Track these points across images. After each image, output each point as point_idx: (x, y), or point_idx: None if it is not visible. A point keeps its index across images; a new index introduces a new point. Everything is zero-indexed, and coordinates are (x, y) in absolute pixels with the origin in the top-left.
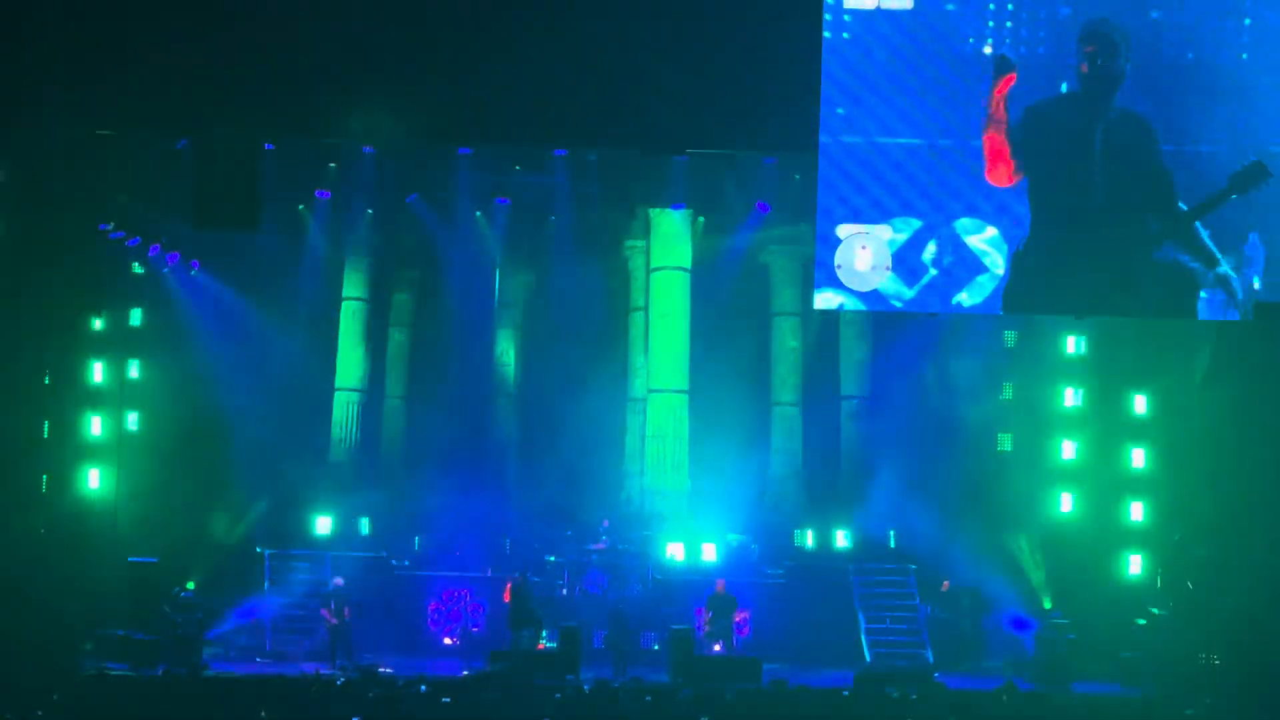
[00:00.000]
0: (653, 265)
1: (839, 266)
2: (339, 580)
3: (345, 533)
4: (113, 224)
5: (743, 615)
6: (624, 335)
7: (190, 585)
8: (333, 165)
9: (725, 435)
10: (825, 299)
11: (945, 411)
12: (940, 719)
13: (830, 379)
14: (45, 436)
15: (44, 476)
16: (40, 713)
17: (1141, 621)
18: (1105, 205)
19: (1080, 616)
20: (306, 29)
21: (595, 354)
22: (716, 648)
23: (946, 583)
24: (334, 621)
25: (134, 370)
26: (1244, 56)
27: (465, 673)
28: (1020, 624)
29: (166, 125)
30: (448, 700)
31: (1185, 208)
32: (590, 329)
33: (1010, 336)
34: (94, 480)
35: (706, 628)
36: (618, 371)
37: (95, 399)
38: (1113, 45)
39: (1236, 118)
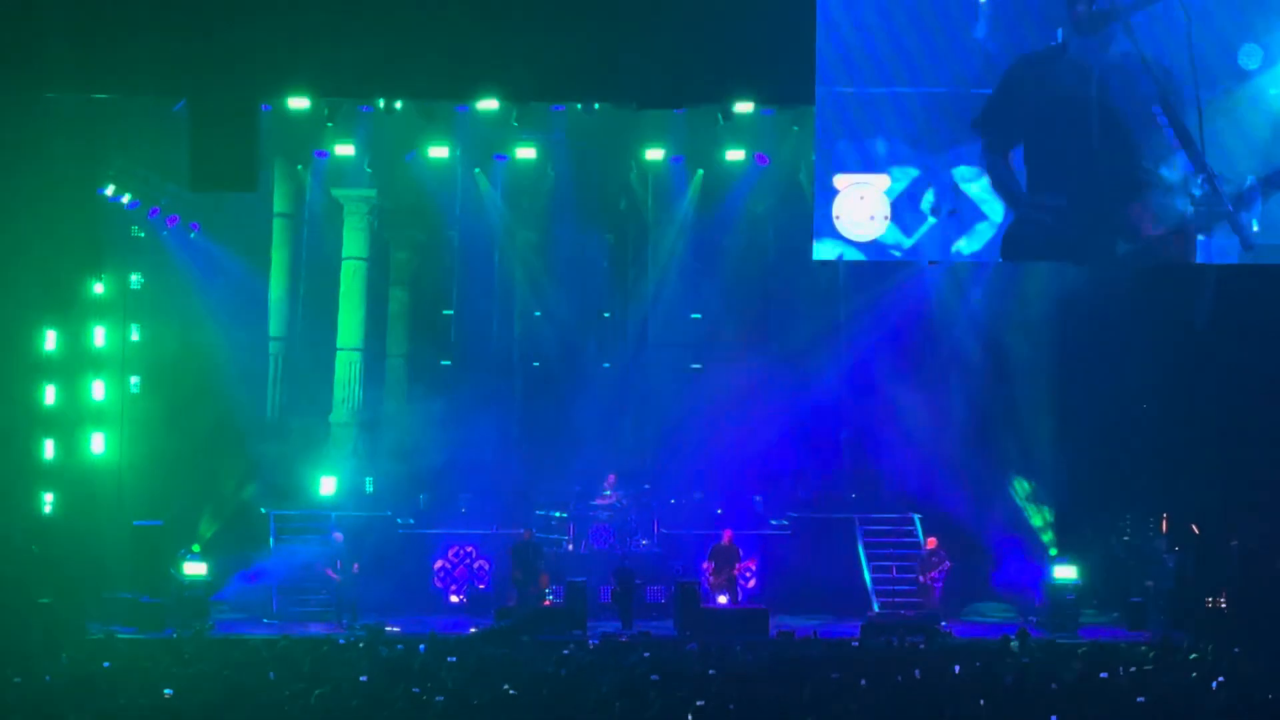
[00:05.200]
0: (651, 219)
1: (838, 217)
2: (338, 535)
3: (349, 492)
4: (111, 187)
5: (745, 565)
6: (626, 289)
7: (196, 548)
8: (330, 125)
9: (728, 387)
10: (824, 250)
11: (949, 357)
12: (948, 667)
13: (832, 329)
14: (52, 402)
15: (44, 441)
16: (48, 677)
17: (1148, 567)
18: (1102, 150)
19: (1087, 563)
20: None
21: (599, 308)
22: (722, 600)
23: (933, 540)
24: (338, 580)
25: (135, 334)
26: None
27: (472, 630)
28: (1028, 571)
29: (163, 87)
30: (454, 659)
31: (1180, 151)
32: (593, 283)
33: (1010, 282)
34: (98, 445)
35: (711, 579)
36: (620, 325)
37: (97, 363)
38: None
39: (1230, 56)
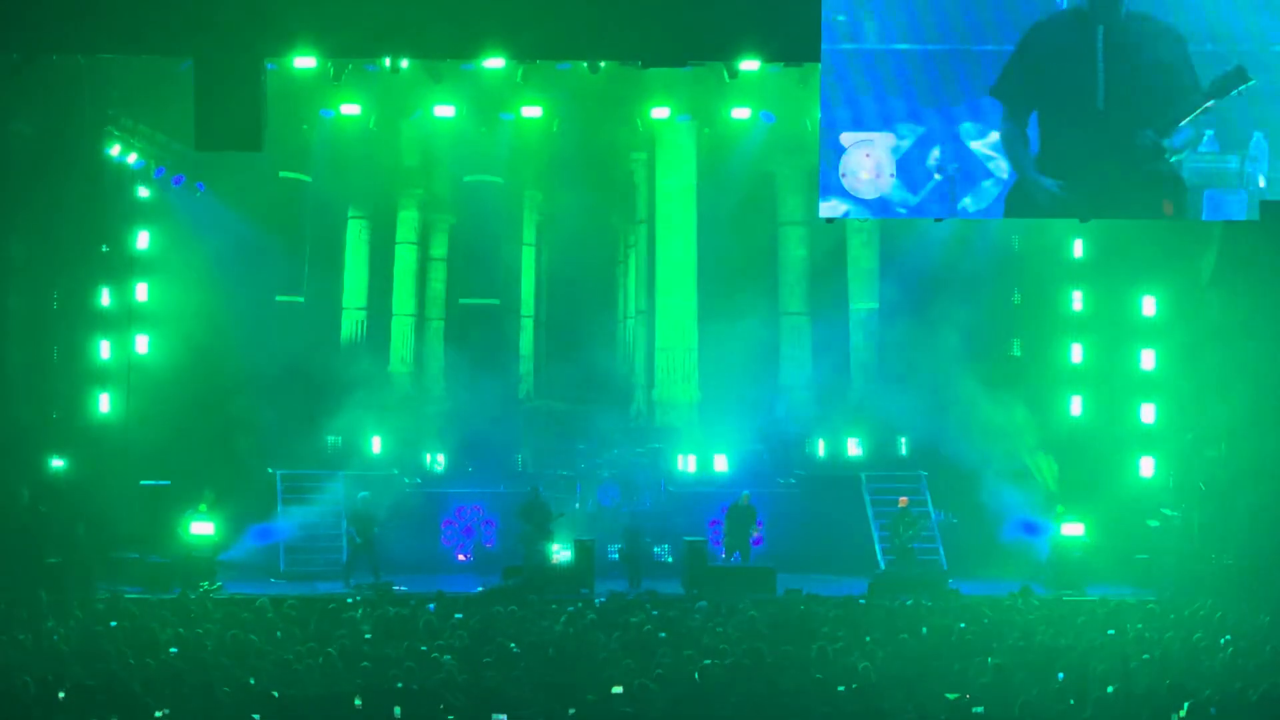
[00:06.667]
0: (658, 177)
1: (844, 174)
2: (364, 494)
3: (357, 452)
4: (117, 147)
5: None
6: (632, 248)
7: (202, 508)
8: (336, 84)
9: (734, 346)
10: (830, 207)
11: (954, 318)
12: (955, 624)
13: (839, 287)
14: (54, 361)
15: (51, 401)
16: (55, 636)
17: (1154, 524)
18: (1108, 107)
19: (1093, 520)
20: None
21: (605, 267)
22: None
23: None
24: (360, 541)
25: (142, 293)
26: None
27: (480, 588)
28: (1034, 529)
29: (169, 46)
30: (461, 617)
31: (1187, 107)
32: (599, 242)
33: (1017, 241)
34: (105, 405)
35: (725, 539)
36: (628, 284)
37: (104, 323)
38: None
39: (1243, 16)
